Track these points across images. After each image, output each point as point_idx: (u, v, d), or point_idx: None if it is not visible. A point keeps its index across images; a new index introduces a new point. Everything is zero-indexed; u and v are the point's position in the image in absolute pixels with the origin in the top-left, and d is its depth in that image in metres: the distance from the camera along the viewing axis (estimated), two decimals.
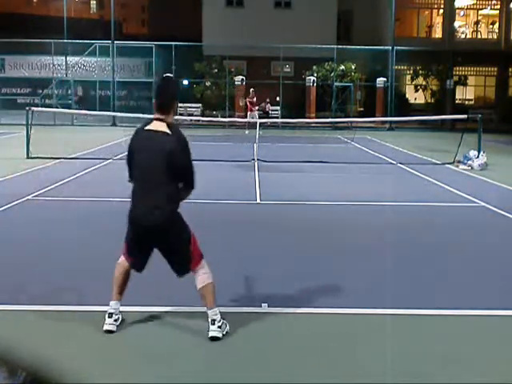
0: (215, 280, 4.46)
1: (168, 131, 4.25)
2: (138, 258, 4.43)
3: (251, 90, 25.69)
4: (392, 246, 7.21)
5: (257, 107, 25.63)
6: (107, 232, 7.65)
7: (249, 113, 24.98)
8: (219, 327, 4.31)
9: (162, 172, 4.20)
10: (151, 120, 4.36)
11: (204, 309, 4.42)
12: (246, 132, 23.89)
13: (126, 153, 4.45)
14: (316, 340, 4.43)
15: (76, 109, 28.61)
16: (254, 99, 25.30)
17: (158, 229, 4.24)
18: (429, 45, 33.62)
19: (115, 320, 4.41)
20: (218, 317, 4.33)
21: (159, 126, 4.26)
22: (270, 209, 9.54)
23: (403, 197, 10.79)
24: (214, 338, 4.27)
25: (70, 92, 31.95)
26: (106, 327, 4.37)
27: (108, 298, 4.53)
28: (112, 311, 4.41)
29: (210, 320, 4.31)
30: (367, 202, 10.02)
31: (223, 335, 4.33)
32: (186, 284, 4.64)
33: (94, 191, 10.49)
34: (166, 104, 4.35)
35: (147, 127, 4.32)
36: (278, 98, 28.37)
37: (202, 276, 4.38)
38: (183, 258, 4.40)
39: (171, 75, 4.67)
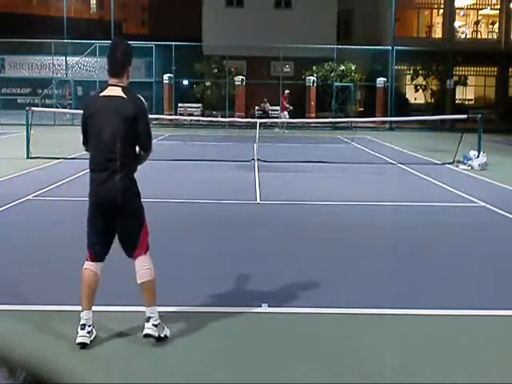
0: (219, 281, 4.45)
1: (124, 95, 4.17)
2: (98, 244, 4.25)
3: (286, 91, 27.09)
4: (392, 245, 7.22)
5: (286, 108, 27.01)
6: None
7: (283, 113, 26.58)
8: (155, 326, 4.16)
9: (121, 138, 4.09)
10: (106, 86, 4.28)
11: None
12: (282, 131, 26.27)
13: (81, 120, 4.34)
14: (316, 340, 4.42)
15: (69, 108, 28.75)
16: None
17: (121, 198, 4.10)
18: (429, 45, 33.61)
19: (88, 332, 4.17)
20: (156, 315, 4.20)
21: (114, 91, 4.19)
22: (270, 209, 9.54)
23: (403, 197, 10.79)
24: (147, 335, 4.14)
25: (69, 92, 31.94)
26: (79, 340, 4.13)
27: (108, 297, 4.53)
28: (84, 322, 4.18)
29: (145, 317, 4.19)
30: (367, 202, 10.02)
31: (160, 336, 4.18)
32: (185, 284, 4.63)
33: None
34: (117, 68, 4.27)
35: (102, 93, 4.25)
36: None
37: (143, 271, 4.24)
38: (132, 239, 4.24)
39: (123, 40, 4.60)
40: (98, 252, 4.29)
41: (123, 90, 4.20)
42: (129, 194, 4.19)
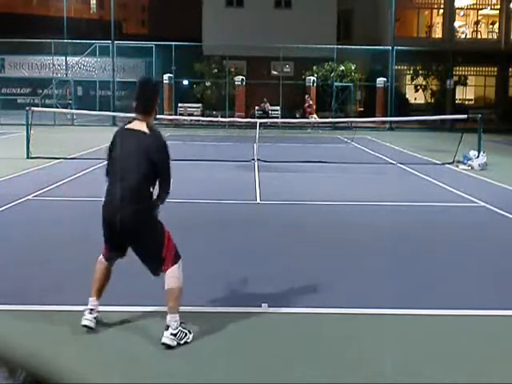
0: (219, 281, 4.45)
1: (147, 131, 4.29)
2: (113, 252, 4.46)
3: (306, 96, 28.96)
4: (392, 245, 7.22)
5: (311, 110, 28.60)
6: None
7: (314, 116, 27.69)
8: (173, 335, 4.16)
9: (137, 169, 4.22)
10: (132, 119, 4.40)
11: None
12: (317, 131, 27.46)
13: (107, 151, 4.49)
14: (316, 340, 4.43)
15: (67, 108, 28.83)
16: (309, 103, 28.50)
17: (129, 226, 4.23)
18: (429, 45, 33.61)
19: (94, 318, 4.37)
20: (175, 324, 4.19)
21: (139, 126, 4.32)
22: (270, 209, 9.54)
23: (403, 197, 10.79)
24: (164, 344, 4.14)
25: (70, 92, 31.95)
26: (85, 322, 4.32)
27: (109, 298, 4.53)
28: (92, 307, 4.37)
29: (165, 325, 4.20)
30: (367, 202, 10.03)
31: (179, 344, 4.16)
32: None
33: (93, 191, 10.46)
34: (148, 107, 4.38)
35: (128, 126, 4.38)
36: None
37: (169, 279, 4.29)
38: (154, 261, 4.33)
39: (151, 77, 4.68)
40: (111, 255, 4.49)
41: (147, 126, 4.32)
42: (139, 220, 4.27)
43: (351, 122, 27.86)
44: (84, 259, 6.32)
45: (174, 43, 30.00)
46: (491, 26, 38.51)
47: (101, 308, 4.49)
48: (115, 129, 4.65)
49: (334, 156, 16.82)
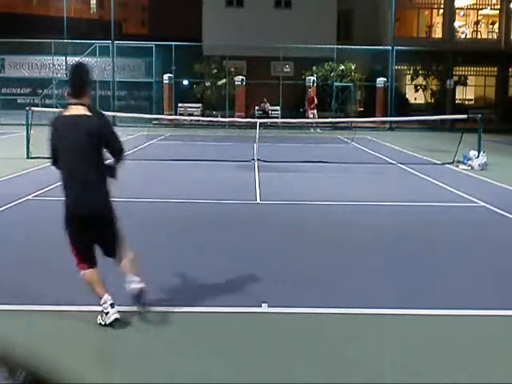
0: (219, 281, 4.45)
1: (89, 113, 4.36)
2: (88, 255, 4.52)
3: (309, 90, 28.29)
4: (392, 245, 7.22)
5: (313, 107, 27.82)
6: None
7: (314, 112, 27.22)
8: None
9: (92, 154, 4.34)
10: (68, 106, 4.45)
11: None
12: (316, 130, 27.05)
13: (49, 140, 4.56)
14: (316, 340, 4.43)
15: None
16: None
17: (102, 212, 4.40)
18: (429, 45, 33.60)
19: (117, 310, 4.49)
20: (136, 278, 4.51)
21: (78, 111, 4.37)
22: (270, 209, 9.54)
23: (403, 197, 10.79)
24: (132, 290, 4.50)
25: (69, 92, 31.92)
26: (114, 316, 4.40)
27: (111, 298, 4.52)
28: (112, 301, 4.44)
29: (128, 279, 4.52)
30: (367, 202, 10.03)
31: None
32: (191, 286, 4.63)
33: None
34: (79, 89, 4.43)
35: (66, 113, 4.44)
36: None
37: (125, 259, 4.60)
38: (116, 242, 4.56)
39: (82, 62, 4.82)
40: (89, 261, 4.54)
41: (86, 109, 4.37)
42: (109, 208, 4.46)
43: (351, 121, 27.85)
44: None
45: (174, 43, 29.99)
46: (491, 26, 38.50)
47: (99, 308, 4.49)
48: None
49: (334, 156, 16.82)
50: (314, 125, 27.51)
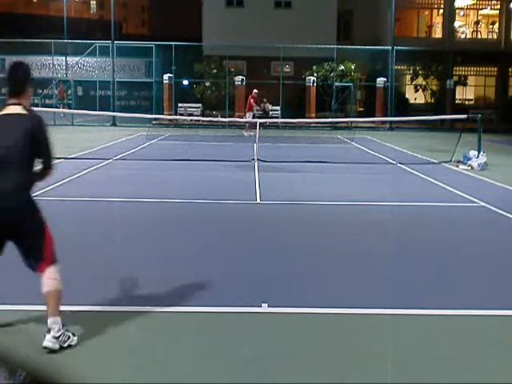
0: (219, 281, 4.44)
1: (25, 112, 4.21)
2: None
3: (254, 90, 24.51)
4: (392, 245, 7.21)
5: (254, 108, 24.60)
6: (107, 232, 7.66)
7: (249, 113, 24.13)
8: (56, 338, 4.03)
9: (21, 154, 4.12)
10: (5, 105, 4.30)
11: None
12: (250, 133, 22.72)
13: None
14: (316, 340, 4.42)
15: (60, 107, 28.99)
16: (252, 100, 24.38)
17: (19, 216, 4.16)
18: (429, 45, 33.63)
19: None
20: (57, 326, 4.07)
21: (15, 110, 4.23)
22: (270, 209, 9.54)
23: (403, 197, 10.79)
24: (46, 348, 3.97)
25: (69, 92, 31.96)
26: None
27: (108, 298, 4.52)
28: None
29: (47, 328, 4.07)
30: (367, 201, 10.03)
31: (62, 347, 4.03)
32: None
33: (94, 191, 10.48)
34: (20, 89, 4.28)
35: (2, 112, 4.28)
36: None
37: (48, 281, 4.20)
38: (36, 253, 4.25)
39: (21, 61, 4.60)
40: None
41: (23, 108, 4.23)
42: (26, 208, 4.20)
43: (351, 121, 27.86)
44: (84, 259, 6.33)
45: (174, 43, 30.00)
46: (491, 26, 38.54)
47: (99, 308, 4.48)
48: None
49: (334, 156, 16.82)
50: (247, 126, 24.07)
